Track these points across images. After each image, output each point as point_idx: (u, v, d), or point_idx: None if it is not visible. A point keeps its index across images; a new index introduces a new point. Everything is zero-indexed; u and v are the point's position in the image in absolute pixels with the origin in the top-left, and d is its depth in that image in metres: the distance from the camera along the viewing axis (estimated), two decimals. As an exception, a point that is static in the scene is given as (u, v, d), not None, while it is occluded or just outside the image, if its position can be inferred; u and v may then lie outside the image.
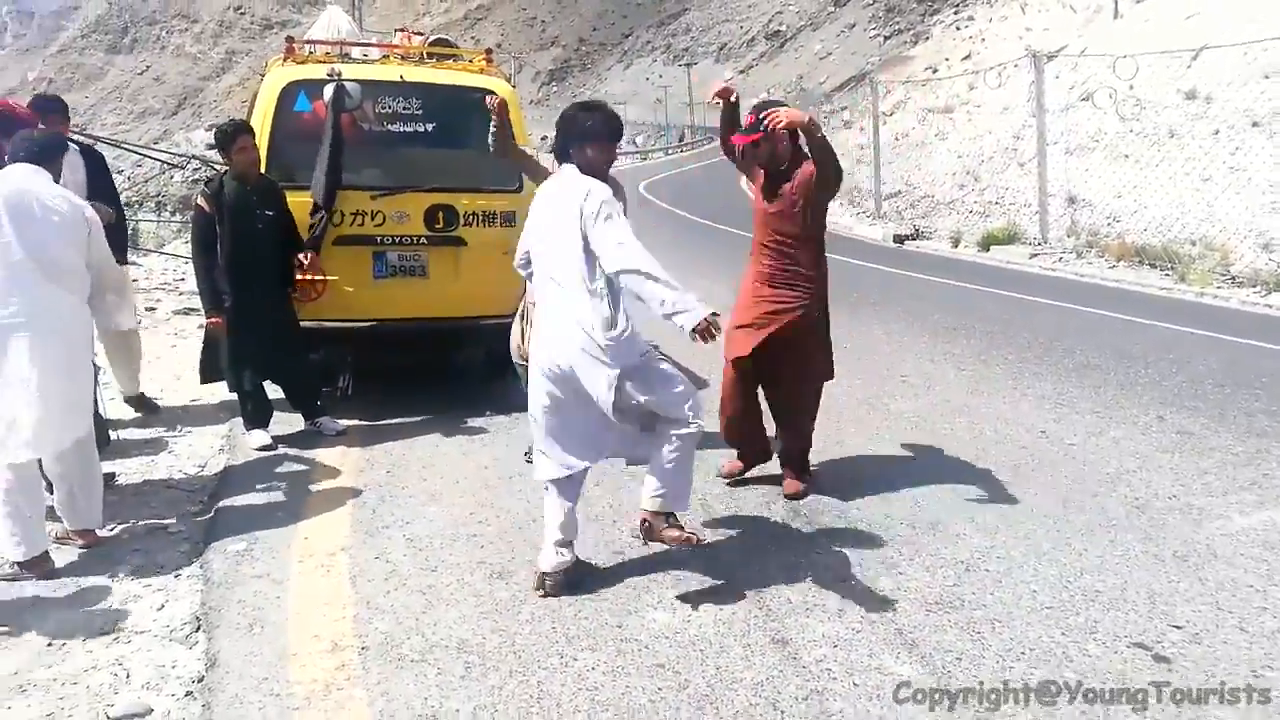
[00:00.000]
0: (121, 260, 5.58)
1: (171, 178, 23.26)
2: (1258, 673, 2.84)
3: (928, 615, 3.20)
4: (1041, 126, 13.98)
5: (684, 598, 3.36)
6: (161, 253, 13.16)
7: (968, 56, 23.76)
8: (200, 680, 2.94)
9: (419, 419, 5.54)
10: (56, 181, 3.88)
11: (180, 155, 22.04)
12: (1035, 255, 12.73)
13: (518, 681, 2.84)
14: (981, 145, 17.47)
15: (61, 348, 3.71)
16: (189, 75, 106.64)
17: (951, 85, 20.23)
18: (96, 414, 5.02)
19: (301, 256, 5.21)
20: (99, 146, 7.45)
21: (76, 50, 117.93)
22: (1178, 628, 3.09)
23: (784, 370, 4.30)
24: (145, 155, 20.28)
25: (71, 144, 5.29)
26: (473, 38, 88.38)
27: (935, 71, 24.04)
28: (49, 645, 3.17)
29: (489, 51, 6.58)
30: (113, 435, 5.15)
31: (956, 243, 14.46)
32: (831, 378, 4.47)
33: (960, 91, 19.50)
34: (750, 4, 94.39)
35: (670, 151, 56.68)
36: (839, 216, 19.70)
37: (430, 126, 5.78)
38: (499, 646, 3.04)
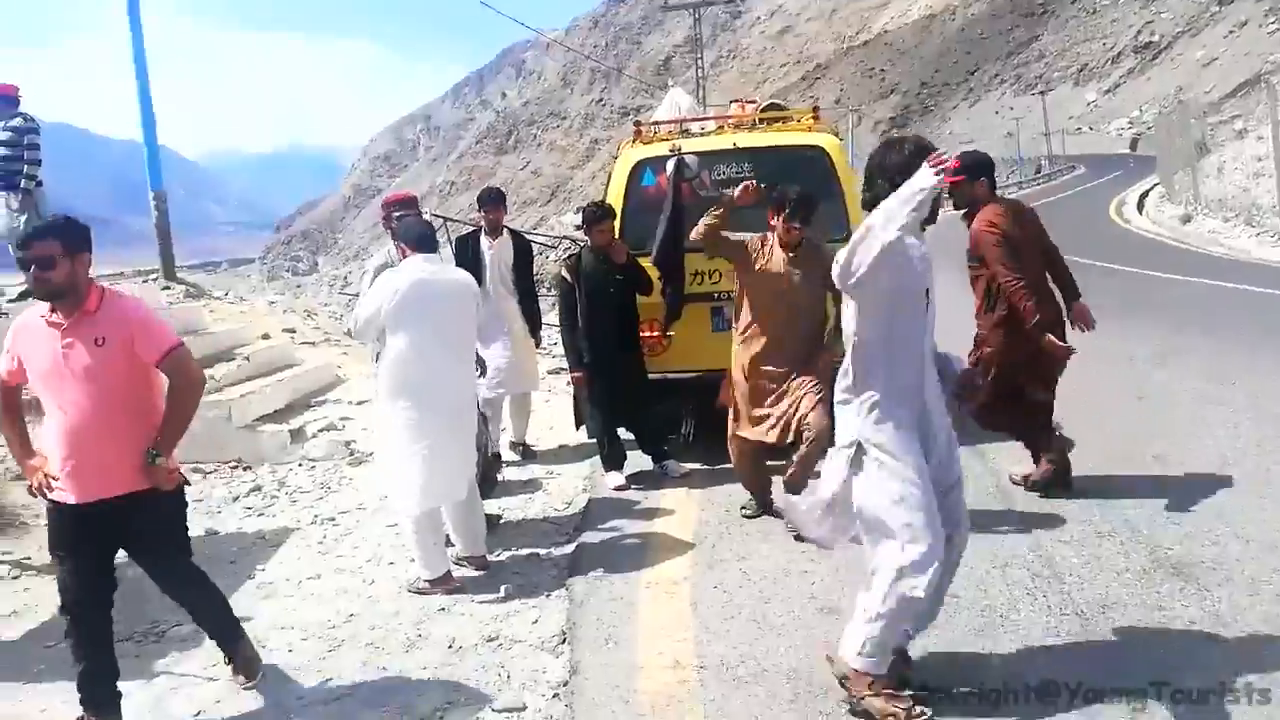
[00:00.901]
0: (535, 333, 6.57)
1: (546, 258, 26.40)
2: None
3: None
4: None
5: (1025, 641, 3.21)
6: (548, 325, 14.95)
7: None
8: (565, 685, 3.36)
9: (756, 463, 5.79)
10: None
11: (553, 237, 24.95)
12: None
13: (845, 712, 2.91)
14: None
15: (454, 415, 4.41)
16: (560, 166, 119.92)
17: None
18: (493, 455, 5.90)
19: (651, 332, 5.81)
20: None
21: (471, 155, 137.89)
22: None
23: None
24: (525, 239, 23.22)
25: (507, 230, 6.39)
26: (811, 96, 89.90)
27: (1356, 60, 20.29)
28: (449, 647, 3.79)
29: (815, 109, 6.81)
30: (500, 477, 5.98)
31: (1394, 259, 12.05)
32: None
33: (1392, 80, 16.34)
34: (1114, 18, 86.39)
35: (1025, 185, 52.79)
36: (1233, 240, 17.28)
37: (762, 186, 6.10)
38: (827, 676, 3.11)
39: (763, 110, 7.13)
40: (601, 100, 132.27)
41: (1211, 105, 36.11)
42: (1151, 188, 30.28)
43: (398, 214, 5.32)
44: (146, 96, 10.64)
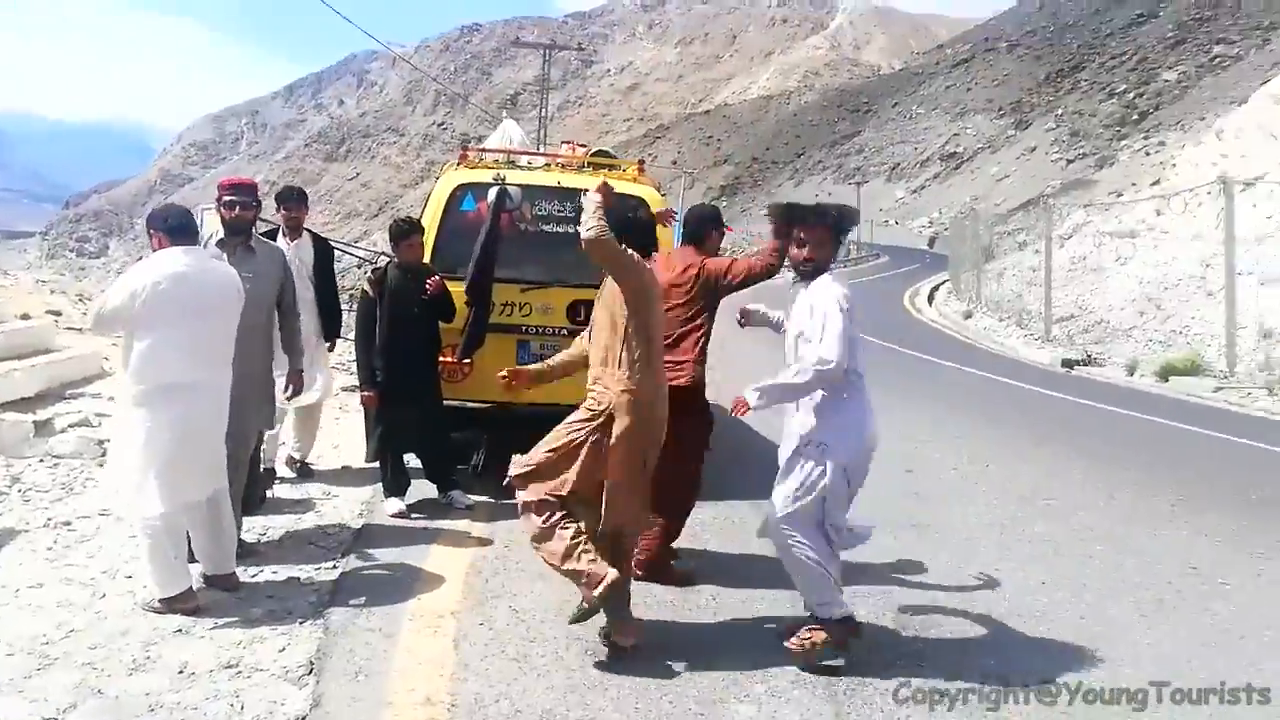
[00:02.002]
0: (332, 340, 6.24)
1: (366, 273, 25.58)
2: None
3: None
4: (1231, 256, 13.19)
5: (772, 693, 3.29)
6: (347, 338, 14.37)
7: (1156, 182, 22.80)
8: (303, 719, 3.12)
9: (545, 501, 5.73)
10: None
11: (374, 252, 24.16)
12: (1220, 389, 11.82)
13: (591, 756, 2.86)
14: (1166, 272, 16.60)
15: (206, 418, 4.06)
16: (392, 183, 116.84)
17: (1134, 210, 19.45)
18: (265, 470, 5.51)
19: (450, 358, 5.64)
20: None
21: (299, 158, 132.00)
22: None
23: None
24: (345, 251, 22.39)
25: (307, 231, 6.05)
26: (650, 154, 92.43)
27: (1120, 196, 23.17)
28: (180, 673, 3.44)
29: (641, 162, 6.97)
30: (269, 493, 5.59)
31: (1132, 371, 13.66)
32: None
33: (1147, 217, 18.68)
34: (927, 126, 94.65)
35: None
36: (1004, 338, 19.07)
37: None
38: (581, 717, 3.07)
39: (592, 155, 7.23)
40: (444, 124, 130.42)
41: (1000, 216, 40.08)
42: (942, 283, 33.07)
43: (228, 199, 4.73)
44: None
